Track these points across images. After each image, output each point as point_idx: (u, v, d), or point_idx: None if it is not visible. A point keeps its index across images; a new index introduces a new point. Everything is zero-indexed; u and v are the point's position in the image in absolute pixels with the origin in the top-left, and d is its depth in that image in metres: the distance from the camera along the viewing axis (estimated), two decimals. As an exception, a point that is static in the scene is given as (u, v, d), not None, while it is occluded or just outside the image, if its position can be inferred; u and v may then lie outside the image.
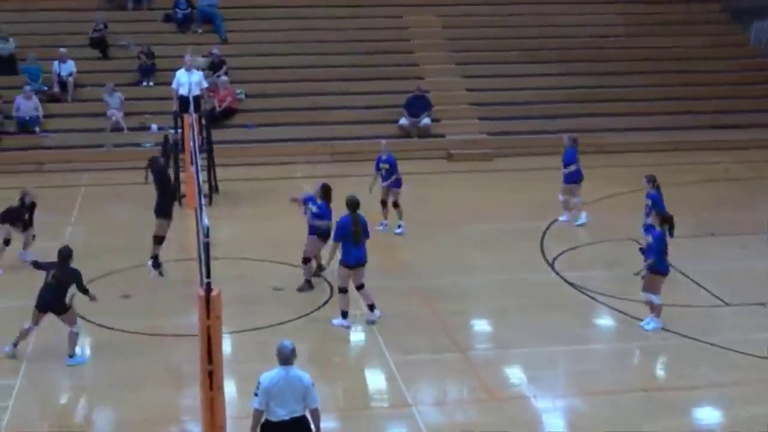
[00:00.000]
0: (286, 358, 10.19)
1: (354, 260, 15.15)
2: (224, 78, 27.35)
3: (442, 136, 27.72)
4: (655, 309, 15.15)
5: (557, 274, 17.69)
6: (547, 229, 20.23)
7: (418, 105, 27.52)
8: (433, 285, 17.25)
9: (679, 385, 13.46)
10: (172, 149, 20.96)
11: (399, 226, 19.90)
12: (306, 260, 16.83)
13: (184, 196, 21.78)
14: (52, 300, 14.13)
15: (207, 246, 10.26)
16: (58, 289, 14.13)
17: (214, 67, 27.60)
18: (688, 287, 16.95)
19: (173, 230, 18.01)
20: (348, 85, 28.71)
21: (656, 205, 17.42)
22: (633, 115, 28.73)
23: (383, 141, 20.69)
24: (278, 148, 26.26)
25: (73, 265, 14.32)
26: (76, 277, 14.26)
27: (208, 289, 10.10)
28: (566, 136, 21.12)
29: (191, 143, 18.79)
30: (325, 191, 16.67)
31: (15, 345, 14.26)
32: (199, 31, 29.93)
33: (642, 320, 15.29)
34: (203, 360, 10.22)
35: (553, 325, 15.40)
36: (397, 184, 20.00)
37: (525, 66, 30.01)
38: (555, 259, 18.47)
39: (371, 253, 15.44)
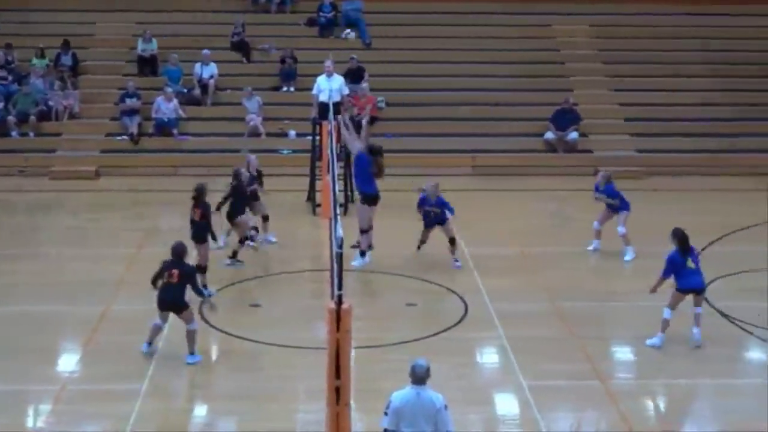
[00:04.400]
0: (420, 377, 9.86)
1: None
2: (364, 85, 26.75)
3: (590, 151, 26.62)
4: None
5: (707, 302, 16.35)
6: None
7: (565, 118, 26.55)
8: (574, 309, 16.39)
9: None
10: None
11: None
12: None
13: (319, 205, 21.36)
14: (171, 299, 14.14)
15: (340, 257, 10.24)
16: (178, 287, 14.11)
17: (352, 73, 26.92)
18: None
19: (306, 239, 17.27)
20: (492, 95, 27.87)
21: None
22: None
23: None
24: (418, 158, 25.44)
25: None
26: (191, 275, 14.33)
27: (339, 301, 9.97)
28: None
29: (329, 151, 18.29)
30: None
31: (149, 343, 14.34)
32: (342, 36, 29.47)
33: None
34: (330, 374, 10.11)
35: (700, 357, 14.56)
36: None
37: (683, 80, 28.68)
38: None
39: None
